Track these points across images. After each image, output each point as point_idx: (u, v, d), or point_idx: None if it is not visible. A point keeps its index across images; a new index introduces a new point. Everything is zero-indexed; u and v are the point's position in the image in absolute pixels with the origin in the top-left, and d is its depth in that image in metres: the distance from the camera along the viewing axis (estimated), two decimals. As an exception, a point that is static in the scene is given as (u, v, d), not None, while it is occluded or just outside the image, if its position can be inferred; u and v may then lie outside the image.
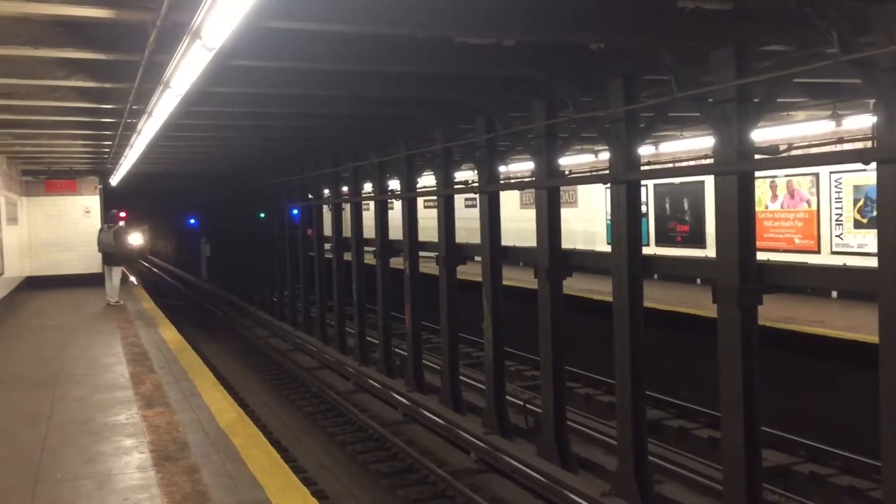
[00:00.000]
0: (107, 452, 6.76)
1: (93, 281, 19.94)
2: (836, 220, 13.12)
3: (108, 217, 18.85)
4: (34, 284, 20.95)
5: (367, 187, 16.60)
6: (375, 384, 14.30)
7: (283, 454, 9.56)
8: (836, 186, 13.09)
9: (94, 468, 6.37)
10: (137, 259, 52.74)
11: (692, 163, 13.42)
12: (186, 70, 5.96)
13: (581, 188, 19.30)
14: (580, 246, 17.56)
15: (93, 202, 22.03)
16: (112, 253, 17.81)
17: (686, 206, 16.38)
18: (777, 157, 6.81)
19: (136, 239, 54.02)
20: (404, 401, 12.98)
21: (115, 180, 21.33)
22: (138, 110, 9.32)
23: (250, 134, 13.40)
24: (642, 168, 9.14)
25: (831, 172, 13.09)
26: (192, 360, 10.95)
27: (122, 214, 28.38)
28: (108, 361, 10.92)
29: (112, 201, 22.39)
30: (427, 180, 16.45)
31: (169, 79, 6.41)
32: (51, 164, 19.93)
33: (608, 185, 9.09)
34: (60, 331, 14.07)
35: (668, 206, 16.92)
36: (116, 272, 17.88)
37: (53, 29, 6.41)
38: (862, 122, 11.20)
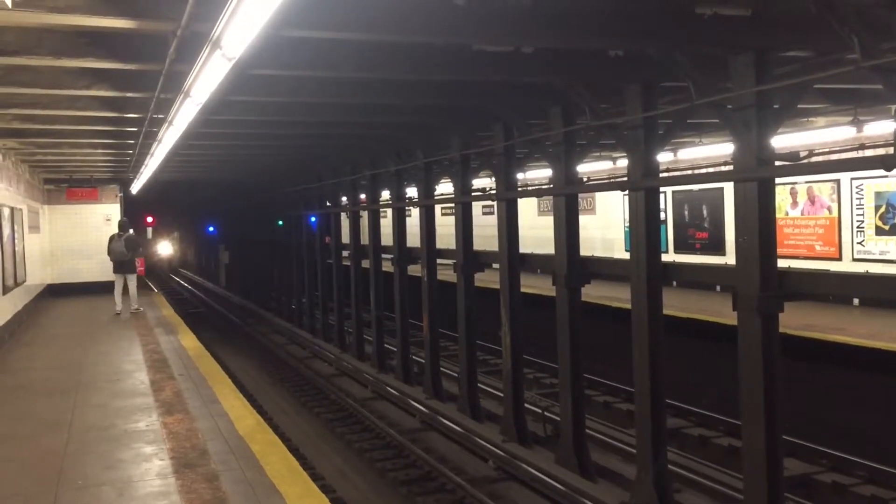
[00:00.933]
0: (127, 459, 6.80)
1: (113, 289, 20.12)
2: (858, 227, 13.00)
3: (121, 224, 18.45)
4: (55, 292, 21.16)
5: (385, 195, 16.64)
6: (393, 391, 14.29)
7: (301, 461, 9.58)
8: (857, 193, 12.98)
9: (114, 475, 6.41)
10: (167, 270, 51.72)
11: (711, 169, 13.35)
12: (206, 79, 6.02)
13: (599, 195, 19.25)
14: (598, 253, 17.51)
15: (113, 210, 22.24)
16: (123, 262, 17.53)
17: (705, 212, 16.30)
18: (797, 164, 6.76)
19: (165, 248, 53.01)
20: (422, 408, 12.97)
21: (135, 188, 21.52)
22: (159, 119, 9.41)
23: (268, 142, 13.48)
24: (661, 175, 9.10)
25: (852, 179, 12.99)
26: (211, 368, 11.00)
27: (150, 220, 28.43)
28: (129, 368, 11.00)
29: (134, 207, 22.52)
30: (445, 188, 16.47)
31: (189, 88, 6.47)
32: (72, 172, 20.14)
33: (626, 191, 9.05)
34: (81, 338, 14.19)
35: (686, 212, 16.84)
36: (132, 280, 17.75)
37: (76, 39, 6.49)
38: (884, 127, 11.10)
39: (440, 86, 8.68)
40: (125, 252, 17.50)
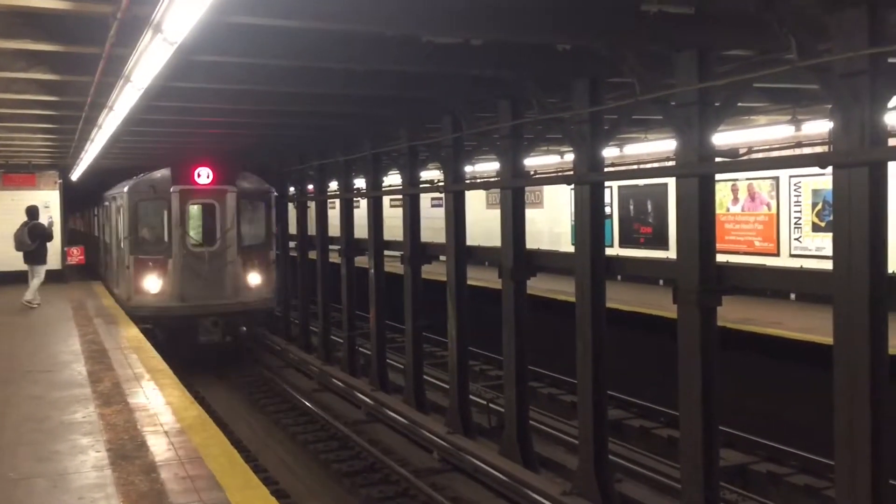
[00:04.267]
0: (63, 451, 6.65)
1: (50, 277, 19.54)
2: (795, 224, 13.34)
3: (29, 212, 16.55)
4: (-9, 280, 20.49)
5: (333, 185, 16.53)
6: (339, 383, 14.24)
7: (244, 454, 9.49)
8: (795, 190, 13.32)
9: (48, 467, 6.25)
10: None
11: (655, 165, 13.57)
12: (147, 64, 5.88)
13: (547, 189, 19.40)
14: (546, 247, 17.65)
15: (53, 197, 21.61)
16: (29, 252, 16.02)
17: (650, 207, 16.55)
18: (737, 161, 6.92)
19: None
20: (368, 400, 12.95)
21: (75, 175, 20.98)
22: (99, 104, 9.18)
23: (215, 130, 13.26)
24: (606, 169, 9.22)
25: (791, 176, 13.31)
26: (152, 359, 10.80)
27: None
28: (66, 359, 10.74)
29: (76, 194, 21.82)
30: (394, 179, 16.43)
31: (130, 73, 6.32)
32: (9, 157, 19.54)
33: (573, 185, 9.15)
34: (16, 328, 13.81)
35: (632, 207, 17.08)
36: (38, 272, 16.16)
37: (11, 20, 6.29)
38: (821, 126, 11.39)
39: (389, 77, 8.64)
40: (27, 242, 16.00)
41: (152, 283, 16.08)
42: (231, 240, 16.60)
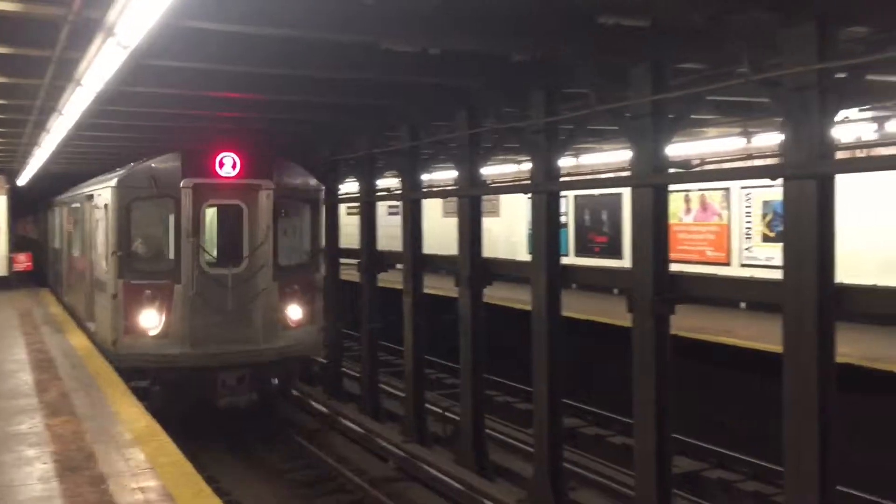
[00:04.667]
0: (7, 462, 6.47)
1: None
2: (746, 234, 13.59)
3: None
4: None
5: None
6: (293, 392, 14.10)
7: (196, 464, 9.31)
8: (746, 201, 13.57)
9: (-8, 480, 6.08)
10: None
11: (610, 175, 13.72)
12: (100, 68, 5.79)
13: (504, 198, 19.49)
14: (502, 255, 17.72)
15: (-1, 202, 21.11)
16: None
17: (605, 217, 16.72)
18: (691, 172, 7.03)
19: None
20: (323, 409, 12.84)
21: (23, 180, 20.51)
22: (49, 108, 8.99)
23: (169, 136, 13.05)
24: (562, 179, 9.30)
25: (742, 187, 13.56)
26: (100, 367, 10.58)
27: None
28: (11, 368, 10.47)
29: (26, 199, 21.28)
30: (351, 186, 16.36)
31: (81, 76, 6.21)
32: (-45, 161, 19.02)
33: (529, 195, 9.21)
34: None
35: (587, 217, 17.24)
36: None
37: (-42, 20, 6.12)
38: (771, 139, 11.66)
39: (348, 84, 8.62)
40: None
41: (151, 321, 11.11)
42: (265, 257, 11.53)
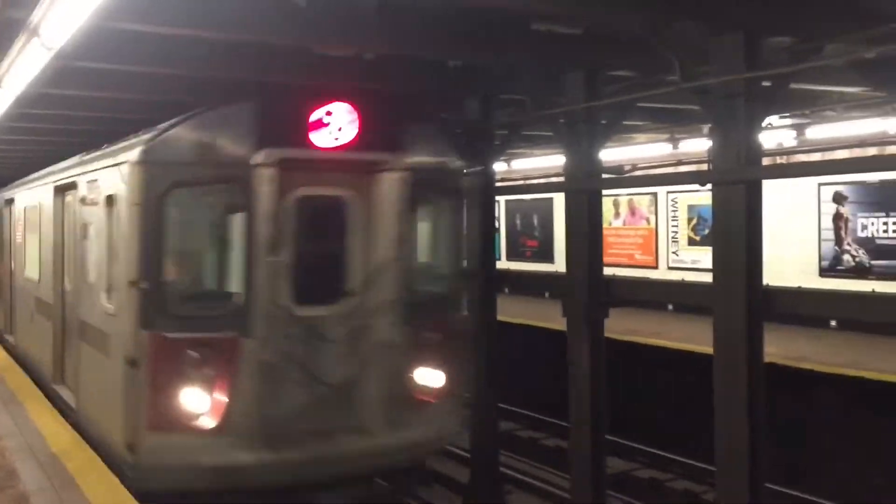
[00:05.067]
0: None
1: None
2: (673, 238, 13.93)
3: None
4: None
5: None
6: None
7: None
8: (672, 206, 13.90)
9: None
10: None
11: (543, 180, 13.88)
12: (22, 69, 5.56)
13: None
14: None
15: None
16: None
17: (536, 222, 16.90)
18: (623, 177, 7.16)
19: None
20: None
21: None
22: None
23: (99, 140, 12.60)
24: (497, 184, 9.34)
25: (668, 192, 13.89)
26: (21, 382, 10.16)
27: None
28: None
29: None
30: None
31: (1, 78, 5.96)
32: None
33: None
34: None
35: (518, 221, 17.40)
36: None
37: None
38: (697, 145, 11.95)
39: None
40: None
41: (199, 405, 6.21)
42: (389, 289, 6.73)
